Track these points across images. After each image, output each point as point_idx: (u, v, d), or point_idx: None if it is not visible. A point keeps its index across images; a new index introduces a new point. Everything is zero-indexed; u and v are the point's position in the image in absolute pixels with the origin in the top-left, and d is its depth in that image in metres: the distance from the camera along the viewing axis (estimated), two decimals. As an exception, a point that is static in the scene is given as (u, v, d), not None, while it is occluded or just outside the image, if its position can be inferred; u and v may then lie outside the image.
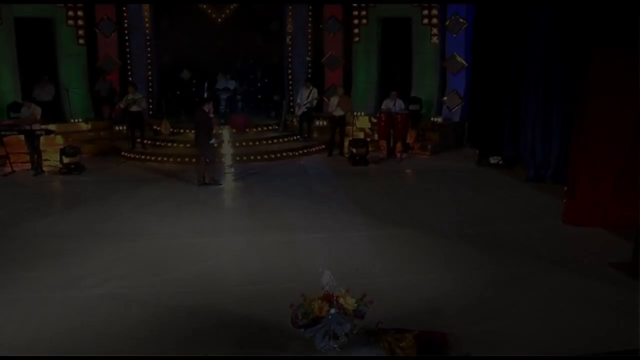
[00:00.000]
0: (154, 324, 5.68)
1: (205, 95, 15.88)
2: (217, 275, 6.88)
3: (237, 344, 5.32)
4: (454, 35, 15.08)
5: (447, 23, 15.13)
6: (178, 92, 17.65)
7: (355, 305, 4.91)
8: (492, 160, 12.80)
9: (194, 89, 17.97)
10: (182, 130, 14.77)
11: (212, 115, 11.36)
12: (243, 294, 6.35)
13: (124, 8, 15.89)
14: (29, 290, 6.43)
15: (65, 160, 12.49)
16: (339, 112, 13.89)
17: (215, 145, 11.66)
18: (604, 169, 8.27)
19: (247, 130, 14.44)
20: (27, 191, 11.03)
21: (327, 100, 15.45)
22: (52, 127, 14.04)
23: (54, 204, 10.14)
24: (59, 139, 14.52)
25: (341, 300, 4.86)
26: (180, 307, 6.01)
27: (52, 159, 13.43)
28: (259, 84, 18.23)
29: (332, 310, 4.74)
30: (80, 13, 15.63)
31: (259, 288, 6.51)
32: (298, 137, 14.70)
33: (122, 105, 13.88)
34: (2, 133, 12.42)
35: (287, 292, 6.07)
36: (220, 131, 11.66)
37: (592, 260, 7.24)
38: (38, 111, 12.74)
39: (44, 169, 12.62)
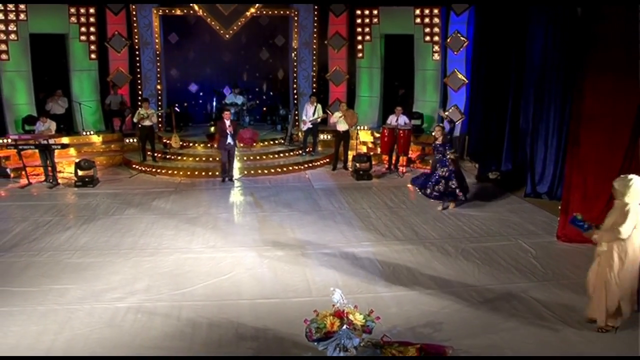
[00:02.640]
0: (177, 336, 6.16)
1: (216, 109, 16.54)
2: (232, 289, 7.35)
3: (255, 354, 5.79)
4: (455, 52, 15.57)
5: (448, 40, 15.62)
6: (186, 104, 18.22)
7: (364, 321, 5.39)
8: (491, 175, 13.25)
9: (201, 101, 18.58)
10: (191, 144, 15.23)
11: (228, 122, 12.90)
12: (258, 308, 6.82)
13: (135, 24, 16.40)
14: (59, 303, 6.91)
15: (80, 173, 12.97)
16: (342, 127, 14.35)
17: (230, 145, 12.96)
18: (596, 190, 8.75)
19: (255, 144, 14.88)
20: (45, 204, 11.44)
21: (331, 114, 15.96)
22: (65, 139, 14.58)
23: (72, 218, 10.51)
24: (72, 151, 15.07)
25: (351, 317, 5.34)
26: (201, 320, 6.49)
27: (65, 170, 13.95)
28: (264, 97, 18.78)
29: (344, 326, 5.23)
30: (92, 29, 16.19)
31: (272, 302, 6.99)
32: (301, 152, 15.17)
33: (135, 120, 14.34)
34: (20, 147, 12.90)
35: (298, 306, 6.67)
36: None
37: (583, 277, 7.68)
38: (53, 126, 13.31)
39: (59, 181, 13.13)
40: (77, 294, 7.14)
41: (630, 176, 6.10)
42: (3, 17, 14.73)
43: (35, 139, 13.01)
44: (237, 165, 13.79)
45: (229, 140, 12.97)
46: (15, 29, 14.88)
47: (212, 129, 15.40)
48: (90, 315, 6.59)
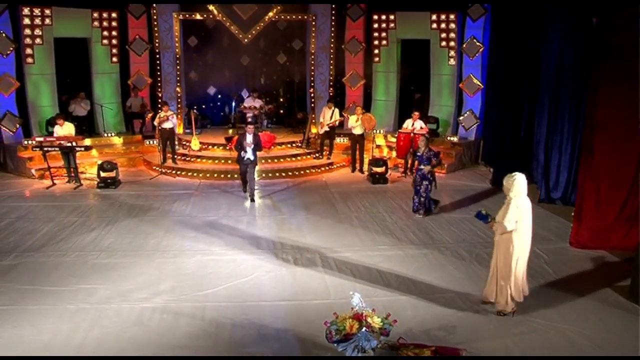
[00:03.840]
0: (202, 336, 6.44)
1: (234, 111, 16.81)
2: (253, 291, 7.63)
3: (275, 355, 6.06)
4: (471, 58, 15.74)
5: (464, 46, 15.80)
6: (204, 107, 18.56)
7: (381, 323, 5.64)
8: (506, 180, 13.39)
9: (219, 103, 18.92)
10: (210, 147, 15.54)
11: (250, 136, 11.91)
12: (278, 309, 7.09)
13: (156, 28, 16.75)
14: (88, 302, 7.22)
15: (103, 174, 13.32)
16: (358, 131, 14.59)
17: (249, 161, 12.00)
18: (608, 199, 8.94)
19: (272, 147, 15.15)
20: (69, 205, 11.78)
21: (347, 117, 16.21)
22: (87, 141, 14.96)
23: (96, 219, 10.82)
24: (93, 152, 15.43)
25: (369, 319, 5.59)
26: (224, 320, 6.76)
27: (87, 171, 14.31)
28: (281, 100, 19.07)
29: (362, 329, 5.48)
30: (114, 33, 16.58)
31: (292, 304, 7.25)
32: (317, 154, 15.42)
33: (156, 123, 14.66)
34: (45, 149, 13.28)
35: (317, 309, 6.93)
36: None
37: (594, 283, 7.91)
38: (72, 129, 13.63)
39: (82, 182, 13.49)
40: (105, 294, 7.45)
41: (515, 174, 6.80)
42: (30, 22, 15.13)
43: (59, 141, 13.36)
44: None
45: (249, 155, 12.00)
46: (40, 33, 15.28)
47: (231, 131, 15.69)
48: (119, 315, 6.89)
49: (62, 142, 13.29)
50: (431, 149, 11.21)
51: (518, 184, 6.67)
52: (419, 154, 11.24)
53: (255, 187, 12.50)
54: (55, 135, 13.63)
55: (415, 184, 11.17)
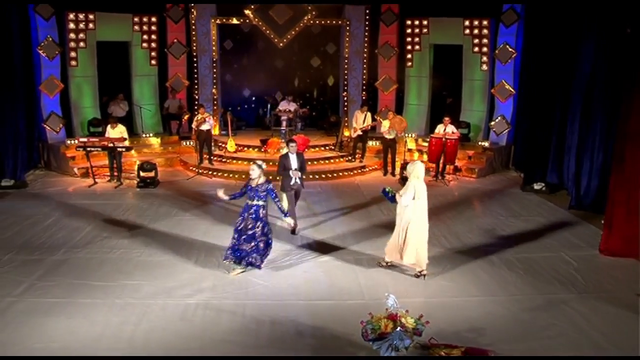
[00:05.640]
0: (243, 332, 6.80)
1: (270, 114, 17.12)
2: (290, 290, 7.97)
3: (313, 351, 6.39)
4: (503, 63, 15.85)
5: (496, 52, 15.92)
6: (239, 108, 19.01)
7: (414, 324, 5.95)
8: (536, 186, 13.53)
9: (253, 105, 19.35)
10: (245, 148, 15.94)
11: (294, 156, 10.29)
12: (315, 308, 7.42)
13: (194, 32, 17.24)
14: (134, 297, 7.63)
15: (142, 174, 13.81)
16: (389, 135, 14.84)
17: (296, 185, 10.33)
18: (638, 207, 9.05)
19: (306, 150, 15.47)
20: (111, 203, 12.25)
21: (380, 120, 16.47)
22: (127, 142, 15.46)
23: (138, 217, 11.26)
24: (132, 152, 15.94)
25: (403, 320, 5.91)
26: (264, 318, 7.11)
27: (128, 171, 14.81)
28: (314, 103, 19.42)
29: (397, 328, 5.78)
30: (153, 37, 17.13)
31: (328, 303, 7.58)
32: (350, 157, 15.69)
33: (194, 125, 15.10)
34: (88, 149, 13.82)
35: (351, 308, 7.27)
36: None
37: (623, 291, 8.05)
38: (125, 132, 14.16)
39: (122, 181, 14.01)
40: (150, 290, 7.86)
41: (416, 162, 8.59)
42: (74, 27, 15.75)
43: (101, 142, 13.89)
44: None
45: (296, 179, 10.21)
46: (84, 37, 15.90)
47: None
48: (164, 310, 7.29)
49: (104, 142, 13.80)
50: (269, 180, 8.59)
51: (417, 169, 8.27)
52: (251, 185, 8.45)
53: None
54: (106, 135, 14.14)
55: (243, 227, 8.40)
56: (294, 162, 10.22)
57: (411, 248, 8.27)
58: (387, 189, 8.62)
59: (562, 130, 12.97)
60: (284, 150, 11.34)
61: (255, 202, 8.40)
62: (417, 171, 8.26)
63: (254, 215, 8.38)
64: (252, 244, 8.37)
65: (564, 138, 12.88)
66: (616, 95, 10.71)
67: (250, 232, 8.34)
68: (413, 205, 8.21)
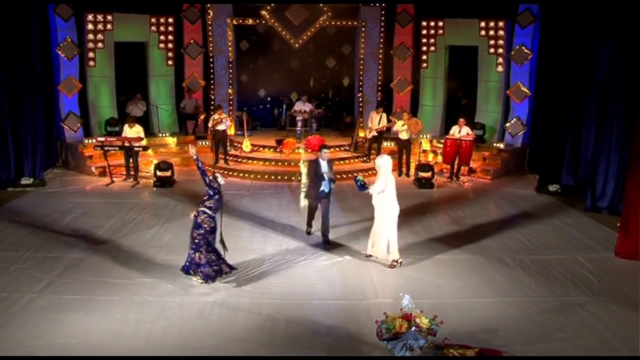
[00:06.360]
0: (259, 330, 6.90)
1: (285, 114, 17.19)
2: (305, 290, 8.05)
3: (328, 350, 6.46)
4: (519, 65, 15.79)
5: (512, 53, 15.86)
6: (254, 108, 19.11)
7: (429, 324, 6.00)
8: (551, 188, 13.50)
9: (269, 105, 19.45)
10: (261, 148, 16.04)
11: (324, 162, 9.84)
12: (330, 308, 7.50)
13: (210, 33, 17.38)
14: (152, 295, 7.75)
15: (159, 173, 13.95)
16: (404, 135, 14.86)
17: (323, 193, 9.84)
18: (655, 209, 9.04)
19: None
20: (128, 202, 12.41)
21: (395, 121, 16.49)
22: (143, 142, 15.62)
23: (154, 216, 11.42)
24: (149, 151, 16.09)
25: (417, 320, 5.96)
26: (279, 317, 7.21)
27: (143, 170, 14.97)
28: (329, 104, 19.47)
29: (412, 328, 5.84)
30: (170, 37, 17.29)
31: (343, 303, 7.65)
32: (365, 158, 15.74)
33: (210, 125, 15.21)
34: (106, 149, 13.99)
35: (366, 308, 7.36)
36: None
37: (638, 294, 8.03)
38: (142, 132, 14.31)
39: (139, 180, 14.16)
40: (168, 288, 7.97)
41: (384, 155, 9.24)
42: (93, 27, 15.96)
43: (119, 141, 14.05)
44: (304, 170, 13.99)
45: (325, 187, 9.80)
46: (102, 38, 16.10)
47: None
48: (181, 308, 7.40)
49: (122, 142, 13.97)
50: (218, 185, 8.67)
51: (386, 163, 8.83)
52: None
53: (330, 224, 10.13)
54: (123, 135, 14.30)
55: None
56: (324, 168, 9.81)
57: (383, 240, 8.80)
58: (357, 177, 9.16)
59: (577, 132, 12.94)
60: (302, 154, 11.50)
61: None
62: (385, 165, 8.82)
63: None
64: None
65: (579, 140, 12.85)
66: (633, 97, 10.69)
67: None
68: (384, 197, 8.78)
